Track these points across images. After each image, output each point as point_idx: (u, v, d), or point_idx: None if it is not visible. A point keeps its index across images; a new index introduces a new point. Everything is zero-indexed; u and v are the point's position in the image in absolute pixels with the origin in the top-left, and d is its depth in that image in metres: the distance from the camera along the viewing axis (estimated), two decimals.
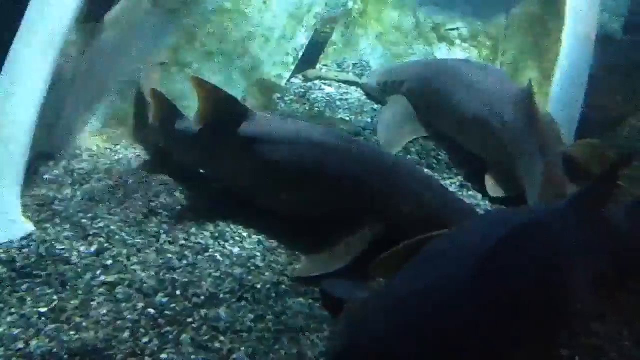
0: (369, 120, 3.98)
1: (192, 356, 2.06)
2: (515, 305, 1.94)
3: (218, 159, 3.00)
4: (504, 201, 3.21)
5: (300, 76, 4.50)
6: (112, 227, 2.68)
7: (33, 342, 2.03)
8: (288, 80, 4.35)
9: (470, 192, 3.43)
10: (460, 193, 3.40)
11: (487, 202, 3.24)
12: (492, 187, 3.35)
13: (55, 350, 2.00)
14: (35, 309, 2.17)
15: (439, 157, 3.67)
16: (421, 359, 1.72)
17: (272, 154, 2.79)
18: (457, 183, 3.50)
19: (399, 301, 1.85)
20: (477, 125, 3.44)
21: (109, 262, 2.46)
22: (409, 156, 3.63)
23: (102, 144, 3.48)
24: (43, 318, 2.14)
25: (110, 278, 2.37)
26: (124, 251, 2.54)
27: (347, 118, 4.01)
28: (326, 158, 2.74)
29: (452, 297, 1.82)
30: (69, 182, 3.03)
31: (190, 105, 3.63)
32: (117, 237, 2.62)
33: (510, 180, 3.29)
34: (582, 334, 2.22)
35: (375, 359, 1.73)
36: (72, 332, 2.09)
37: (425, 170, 3.53)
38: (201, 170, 3.15)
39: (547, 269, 2.09)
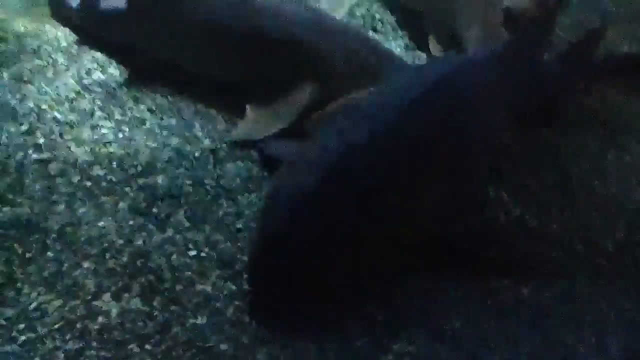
0: None
1: (130, 222, 2.08)
2: (444, 137, 1.99)
3: (151, 32, 2.87)
4: None
5: None
6: (42, 106, 2.60)
7: None
8: None
9: (414, 53, 3.39)
10: (405, 54, 3.36)
11: None
12: (434, 45, 3.31)
13: None
14: None
15: (384, 19, 3.58)
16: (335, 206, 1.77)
17: (207, 17, 2.68)
18: (402, 45, 3.45)
19: (318, 158, 1.87)
20: None
21: (41, 140, 2.41)
22: (354, 20, 3.54)
23: (29, 24, 3.29)
24: None
25: (43, 156, 2.33)
26: (57, 129, 2.48)
27: None
28: (259, 19, 2.65)
29: (365, 150, 1.85)
30: None
31: None
32: (48, 116, 2.55)
33: (451, 38, 3.25)
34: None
35: (298, 214, 1.78)
36: (6, 209, 2.08)
37: (371, 32, 3.45)
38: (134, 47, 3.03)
39: (477, 112, 2.12)
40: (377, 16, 3.59)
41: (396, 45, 3.43)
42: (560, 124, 2.63)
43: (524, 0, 3.33)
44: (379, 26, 3.54)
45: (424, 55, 3.32)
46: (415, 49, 3.39)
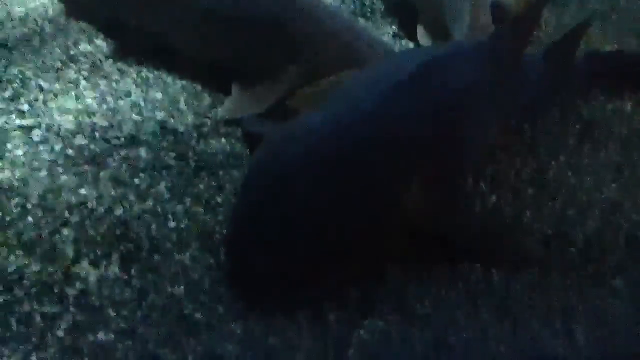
0: None
1: (112, 191, 2.10)
2: (417, 134, 2.02)
3: (140, 8, 2.87)
4: None
5: None
6: (27, 73, 2.60)
7: None
8: None
9: (403, 42, 3.42)
10: (393, 42, 3.39)
11: None
12: (422, 35, 3.34)
13: None
14: None
15: (374, 6, 3.61)
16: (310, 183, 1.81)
17: None
18: (391, 33, 3.48)
19: (299, 135, 1.90)
20: None
21: (25, 107, 2.41)
22: (344, 6, 3.56)
23: None
24: None
25: (26, 122, 2.34)
26: (41, 97, 2.48)
27: None
28: (248, 2, 2.67)
29: (346, 130, 1.88)
30: None
31: None
32: (33, 83, 2.55)
33: (440, 28, 3.28)
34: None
35: (276, 189, 1.81)
36: None
37: (361, 19, 3.48)
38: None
39: (450, 105, 2.15)
40: (367, 3, 3.61)
41: (385, 33, 3.46)
42: (540, 119, 2.68)
43: None
44: (369, 13, 3.57)
45: (412, 45, 3.35)
46: (404, 38, 3.42)
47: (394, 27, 3.46)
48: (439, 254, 2.00)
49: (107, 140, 2.32)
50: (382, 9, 3.57)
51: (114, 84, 2.65)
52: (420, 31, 3.34)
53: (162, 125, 2.44)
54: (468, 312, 1.87)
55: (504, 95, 2.41)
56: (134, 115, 2.48)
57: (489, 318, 1.87)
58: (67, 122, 2.37)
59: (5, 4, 3.14)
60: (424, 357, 1.71)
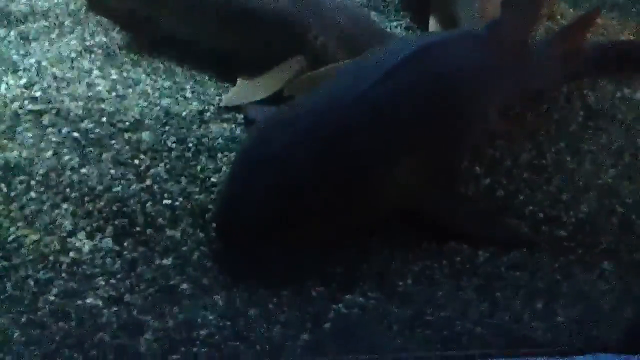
0: None
1: (112, 171, 2.19)
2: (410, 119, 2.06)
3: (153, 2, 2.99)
4: None
5: None
6: (43, 63, 2.73)
7: None
8: None
9: (416, 34, 3.44)
10: (405, 35, 3.41)
11: None
12: (434, 27, 3.35)
13: None
14: None
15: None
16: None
17: None
18: (404, 25, 3.50)
19: (285, 116, 1.96)
20: None
21: (38, 93, 2.53)
22: None
23: None
24: None
25: (37, 107, 2.46)
26: (54, 84, 2.61)
27: None
28: None
29: (330, 109, 1.93)
30: (5, 23, 3.03)
31: None
32: (48, 72, 2.68)
33: (451, 20, 3.29)
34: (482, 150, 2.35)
35: (262, 169, 1.88)
36: None
37: (373, 12, 3.51)
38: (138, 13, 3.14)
39: (447, 88, 2.18)
40: None
41: (397, 25, 3.48)
42: (543, 104, 2.68)
43: None
44: (382, 6, 3.60)
45: None
46: (416, 30, 3.44)
47: (407, 19, 3.49)
48: (425, 232, 2.03)
49: (112, 125, 2.42)
50: (396, 2, 3.59)
51: (125, 73, 2.75)
52: (432, 23, 3.36)
53: (167, 111, 2.53)
54: (450, 291, 1.89)
55: (502, 80, 2.43)
56: (140, 101, 2.58)
57: (471, 297, 1.89)
58: (76, 107, 2.48)
59: None
60: (399, 333, 1.74)
